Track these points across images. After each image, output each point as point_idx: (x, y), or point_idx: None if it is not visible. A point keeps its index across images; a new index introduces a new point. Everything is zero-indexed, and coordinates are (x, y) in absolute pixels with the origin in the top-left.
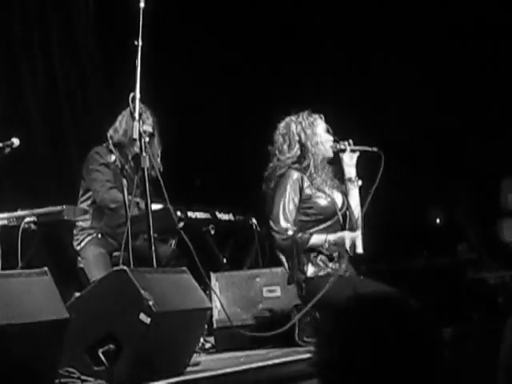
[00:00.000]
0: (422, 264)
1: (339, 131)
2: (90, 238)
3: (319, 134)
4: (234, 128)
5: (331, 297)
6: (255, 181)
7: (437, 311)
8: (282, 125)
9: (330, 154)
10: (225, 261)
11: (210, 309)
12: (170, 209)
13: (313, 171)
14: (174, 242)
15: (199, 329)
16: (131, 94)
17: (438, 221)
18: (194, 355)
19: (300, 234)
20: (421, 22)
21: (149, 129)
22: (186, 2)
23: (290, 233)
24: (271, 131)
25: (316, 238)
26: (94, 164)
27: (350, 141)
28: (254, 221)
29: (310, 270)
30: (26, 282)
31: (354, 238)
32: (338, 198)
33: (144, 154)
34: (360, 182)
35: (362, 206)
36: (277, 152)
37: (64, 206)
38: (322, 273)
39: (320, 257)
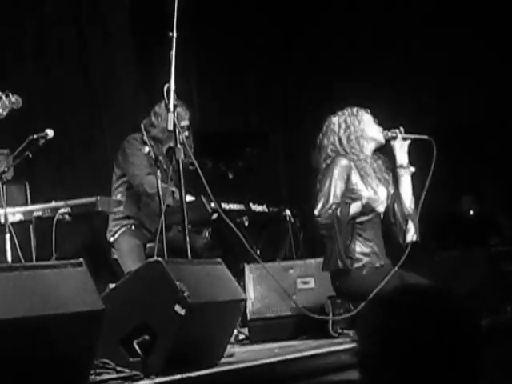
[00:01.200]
0: (455, 255)
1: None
2: (123, 229)
3: (366, 125)
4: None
5: (371, 289)
6: (290, 173)
7: (470, 303)
8: (328, 120)
9: (382, 140)
10: (259, 252)
11: (245, 300)
12: (204, 200)
13: (361, 162)
14: (207, 233)
15: (233, 320)
16: (166, 86)
17: (471, 212)
18: (228, 346)
19: (339, 208)
20: None
21: (186, 123)
22: None
23: (330, 211)
24: (305, 125)
25: (355, 205)
26: (131, 148)
27: (401, 128)
28: (288, 212)
29: (347, 262)
30: (61, 273)
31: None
32: (382, 193)
33: (179, 145)
34: (413, 169)
35: (415, 193)
36: (325, 145)
37: (98, 198)
38: (356, 264)
39: (357, 249)
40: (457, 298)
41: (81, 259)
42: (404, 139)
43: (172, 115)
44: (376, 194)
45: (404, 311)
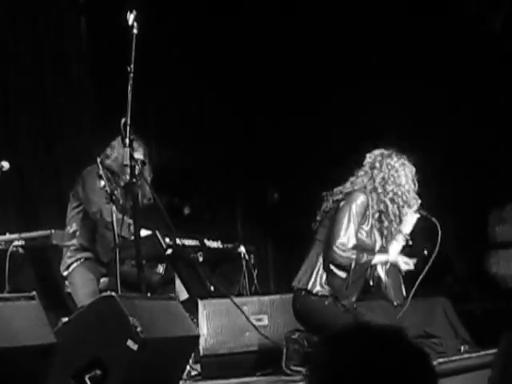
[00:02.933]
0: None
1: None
2: (78, 262)
3: (405, 179)
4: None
5: (327, 320)
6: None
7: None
8: (371, 156)
9: (413, 205)
10: (212, 288)
11: (198, 337)
12: (159, 235)
13: (384, 209)
14: (162, 268)
15: (186, 356)
16: (122, 120)
17: (425, 252)
18: (181, 382)
19: (363, 254)
20: None
21: (140, 157)
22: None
23: (349, 246)
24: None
25: (378, 257)
26: (92, 178)
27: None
28: (243, 249)
29: (316, 288)
30: (14, 306)
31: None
32: (378, 243)
33: (134, 180)
34: (409, 242)
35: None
36: (355, 178)
37: (52, 231)
38: (324, 292)
39: (330, 283)
40: (409, 339)
41: (34, 292)
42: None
43: (128, 149)
44: (373, 243)
45: (351, 350)
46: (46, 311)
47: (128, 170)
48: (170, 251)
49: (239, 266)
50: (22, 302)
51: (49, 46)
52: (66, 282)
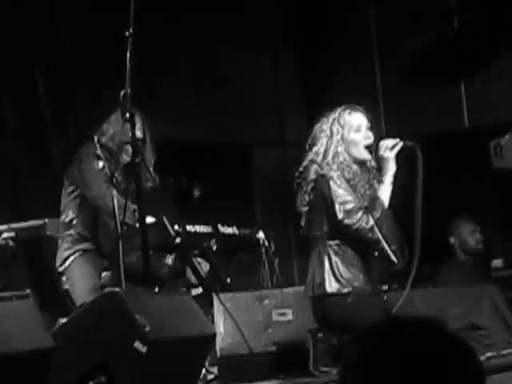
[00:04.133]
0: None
1: None
2: (75, 255)
3: (353, 132)
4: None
5: (356, 319)
6: (262, 190)
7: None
8: (317, 124)
9: (364, 157)
10: (229, 280)
11: (214, 335)
12: (166, 222)
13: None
14: (171, 259)
15: (201, 358)
16: (122, 92)
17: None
18: None
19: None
20: None
21: (138, 134)
22: None
23: (355, 209)
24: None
25: (383, 192)
26: (89, 158)
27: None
28: (262, 235)
29: (333, 286)
30: (5, 306)
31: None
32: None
33: (137, 159)
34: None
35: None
36: (312, 154)
37: (46, 220)
38: (345, 290)
39: (345, 273)
40: (453, 333)
41: (27, 290)
42: (391, 148)
43: (128, 125)
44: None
45: (386, 348)
46: (41, 311)
47: (129, 149)
48: (179, 240)
49: (258, 254)
50: (15, 302)
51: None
52: (63, 278)
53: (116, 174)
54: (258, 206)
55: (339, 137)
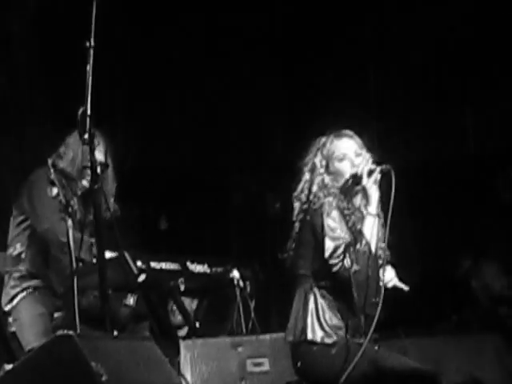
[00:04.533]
0: (450, 329)
1: None
2: (24, 293)
3: (337, 161)
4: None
5: (340, 374)
6: (238, 223)
7: None
8: (310, 149)
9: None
10: (198, 325)
11: None
12: (128, 257)
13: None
14: (132, 299)
15: None
16: (80, 110)
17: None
18: None
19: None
20: None
21: (100, 157)
22: None
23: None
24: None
25: (366, 228)
26: (40, 185)
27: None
28: (236, 274)
29: (317, 333)
30: None
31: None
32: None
33: (96, 186)
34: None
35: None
36: (297, 192)
37: None
38: (329, 340)
39: (331, 319)
40: (443, 380)
41: None
42: (369, 175)
43: (88, 147)
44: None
45: None
46: None
47: (88, 174)
48: (142, 278)
49: (232, 295)
50: None
51: None
52: (10, 319)
53: (72, 203)
54: (233, 240)
55: (323, 170)
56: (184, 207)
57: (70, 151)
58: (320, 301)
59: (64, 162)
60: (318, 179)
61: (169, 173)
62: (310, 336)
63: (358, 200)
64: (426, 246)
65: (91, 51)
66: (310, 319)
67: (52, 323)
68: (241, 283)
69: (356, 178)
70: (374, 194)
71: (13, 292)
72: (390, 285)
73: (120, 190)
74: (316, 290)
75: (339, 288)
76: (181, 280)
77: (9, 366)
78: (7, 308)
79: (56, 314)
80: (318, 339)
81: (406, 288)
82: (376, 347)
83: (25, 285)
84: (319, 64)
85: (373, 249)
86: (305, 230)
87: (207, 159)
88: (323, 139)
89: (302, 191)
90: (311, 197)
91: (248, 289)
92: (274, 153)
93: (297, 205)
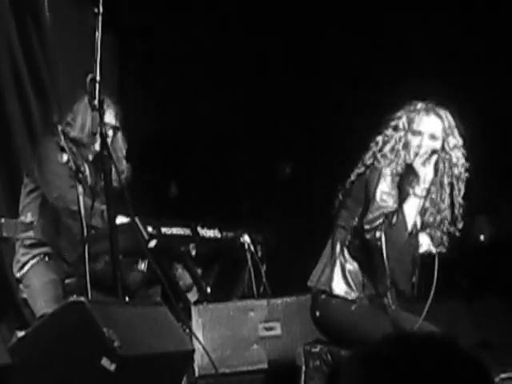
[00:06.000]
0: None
1: None
2: (35, 260)
3: (412, 134)
4: (222, 117)
5: (356, 331)
6: (248, 187)
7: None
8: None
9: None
10: (209, 290)
11: (193, 351)
12: (138, 223)
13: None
14: (143, 265)
15: (177, 378)
16: (89, 76)
17: (481, 237)
18: None
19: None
20: None
21: (111, 120)
22: None
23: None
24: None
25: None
26: (49, 153)
27: None
28: (247, 238)
29: (340, 286)
30: None
31: None
32: None
33: (106, 152)
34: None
35: None
36: (376, 149)
37: (2, 220)
38: (352, 295)
39: (357, 276)
40: (465, 350)
41: None
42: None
43: (97, 113)
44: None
45: (392, 369)
46: None
47: (98, 140)
48: (153, 243)
49: (243, 260)
50: None
51: None
52: (21, 286)
53: (82, 169)
54: (244, 204)
55: (402, 133)
56: (194, 173)
57: (79, 118)
58: (349, 256)
59: (74, 129)
60: (393, 140)
61: (179, 139)
62: (333, 287)
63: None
64: None
65: (99, 18)
66: (336, 272)
67: (63, 290)
68: (252, 247)
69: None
70: (426, 178)
71: (23, 259)
72: (421, 250)
73: (130, 156)
74: (349, 245)
75: (370, 253)
76: (192, 245)
77: (21, 333)
78: (18, 275)
79: (67, 281)
80: (341, 293)
81: (435, 251)
82: (393, 307)
83: (35, 252)
84: None
85: (409, 227)
86: (358, 184)
87: (218, 125)
88: (419, 105)
89: (376, 144)
90: (379, 155)
91: (259, 253)
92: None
93: (366, 155)
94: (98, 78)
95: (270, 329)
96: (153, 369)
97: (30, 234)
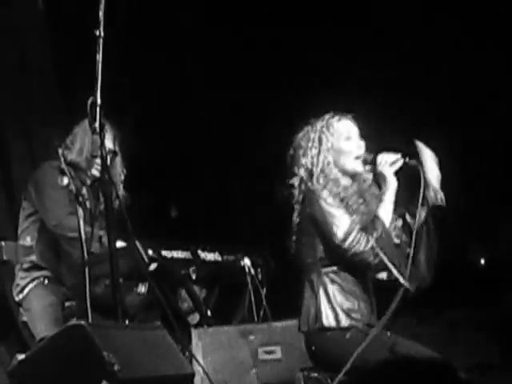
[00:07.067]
0: (463, 316)
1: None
2: (34, 283)
3: (344, 140)
4: (224, 140)
5: (357, 358)
6: (248, 209)
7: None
8: (300, 134)
9: (355, 169)
10: (209, 313)
11: (193, 375)
12: (139, 246)
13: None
14: (143, 288)
15: None
16: (90, 99)
17: (482, 261)
18: None
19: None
20: None
21: (109, 145)
22: None
23: (354, 232)
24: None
25: (383, 210)
26: (47, 178)
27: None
28: (248, 262)
29: (330, 318)
30: None
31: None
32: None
33: (107, 176)
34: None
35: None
36: (300, 170)
37: (2, 243)
38: (344, 323)
39: (344, 303)
40: (460, 375)
41: None
42: (391, 164)
43: (97, 137)
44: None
45: None
46: None
47: (98, 163)
48: (153, 266)
49: (243, 283)
50: None
51: None
52: (21, 309)
53: (82, 192)
54: (244, 227)
55: (329, 145)
56: (195, 195)
57: (78, 141)
58: (330, 287)
59: (72, 153)
60: (322, 156)
61: (179, 160)
62: (323, 321)
63: (356, 185)
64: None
65: (101, 40)
66: (323, 306)
67: (63, 313)
68: (252, 271)
69: (366, 160)
70: (392, 183)
71: (23, 282)
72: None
73: (129, 178)
74: (324, 276)
75: (354, 270)
76: (192, 268)
77: (21, 356)
78: (18, 298)
79: (67, 304)
80: (332, 324)
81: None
82: (388, 333)
83: (35, 275)
84: None
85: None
86: (305, 222)
87: (217, 146)
88: (327, 117)
89: (304, 170)
90: (312, 179)
91: (259, 276)
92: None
93: (299, 186)
94: (98, 101)
95: (270, 352)
96: None
97: (29, 258)
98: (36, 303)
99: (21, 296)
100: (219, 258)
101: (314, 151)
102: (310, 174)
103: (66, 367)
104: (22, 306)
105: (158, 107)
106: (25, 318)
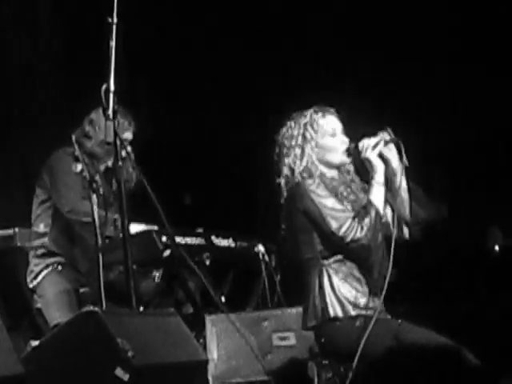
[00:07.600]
0: (479, 304)
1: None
2: (48, 269)
3: (329, 136)
4: (236, 128)
5: (366, 345)
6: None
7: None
8: (282, 130)
9: (342, 161)
10: (223, 299)
11: (206, 362)
12: (154, 232)
13: (322, 181)
14: (157, 274)
15: None
16: (104, 86)
17: (496, 248)
18: None
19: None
20: None
21: (129, 136)
22: None
23: (348, 222)
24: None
25: (374, 195)
26: (62, 164)
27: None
28: (261, 248)
29: (338, 309)
30: None
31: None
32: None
33: (120, 163)
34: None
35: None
36: (285, 168)
37: (16, 229)
38: (352, 312)
39: (349, 292)
40: (474, 359)
41: None
42: (373, 147)
43: (112, 124)
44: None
45: (407, 373)
46: (10, 333)
47: (111, 150)
48: (167, 253)
49: (257, 270)
50: None
51: None
52: (35, 296)
53: (96, 179)
54: (259, 213)
55: (313, 143)
56: (209, 181)
57: (96, 128)
58: (334, 278)
59: (92, 142)
60: (307, 154)
61: (194, 147)
62: (331, 313)
63: (342, 175)
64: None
65: (114, 27)
66: (328, 298)
67: (77, 299)
68: (266, 257)
69: (348, 151)
70: (379, 165)
71: (37, 269)
72: None
73: (144, 165)
74: (327, 268)
75: (355, 257)
76: (206, 255)
77: (35, 343)
78: (32, 285)
79: (81, 290)
80: (340, 314)
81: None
82: (399, 321)
83: (48, 261)
84: None
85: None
86: (299, 219)
87: (233, 133)
88: (309, 112)
89: (289, 168)
90: (296, 179)
91: (273, 263)
92: None
93: (286, 185)
94: (112, 87)
95: (284, 339)
96: (166, 379)
97: (43, 244)
98: (50, 290)
99: (35, 282)
100: (233, 244)
101: (298, 150)
102: (295, 171)
103: (79, 354)
104: (36, 292)
105: (168, 93)
106: (39, 305)
